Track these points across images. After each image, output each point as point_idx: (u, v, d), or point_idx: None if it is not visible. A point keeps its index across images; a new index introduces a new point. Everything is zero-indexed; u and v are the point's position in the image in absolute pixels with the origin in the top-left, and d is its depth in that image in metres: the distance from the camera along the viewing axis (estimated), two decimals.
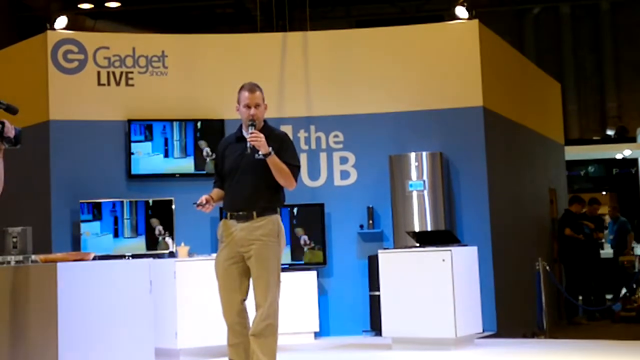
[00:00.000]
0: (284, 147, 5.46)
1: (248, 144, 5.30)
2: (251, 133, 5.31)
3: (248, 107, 5.44)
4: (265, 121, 5.58)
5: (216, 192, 5.61)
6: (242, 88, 5.54)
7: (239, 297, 5.39)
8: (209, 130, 9.28)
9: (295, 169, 5.46)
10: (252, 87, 5.54)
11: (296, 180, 5.48)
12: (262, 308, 5.26)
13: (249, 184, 5.38)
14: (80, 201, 8.74)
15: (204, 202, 5.41)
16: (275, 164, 5.33)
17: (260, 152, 5.28)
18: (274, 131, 5.58)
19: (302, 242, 9.17)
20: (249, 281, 5.42)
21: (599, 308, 12.03)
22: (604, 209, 18.06)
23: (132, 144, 9.08)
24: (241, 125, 5.53)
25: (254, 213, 5.33)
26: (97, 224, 8.74)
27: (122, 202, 8.82)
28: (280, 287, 5.41)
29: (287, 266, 9.10)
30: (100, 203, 8.76)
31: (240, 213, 5.36)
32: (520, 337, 9.04)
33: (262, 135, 5.30)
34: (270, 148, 5.30)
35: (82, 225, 8.72)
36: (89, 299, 4.22)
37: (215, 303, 7.47)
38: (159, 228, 8.89)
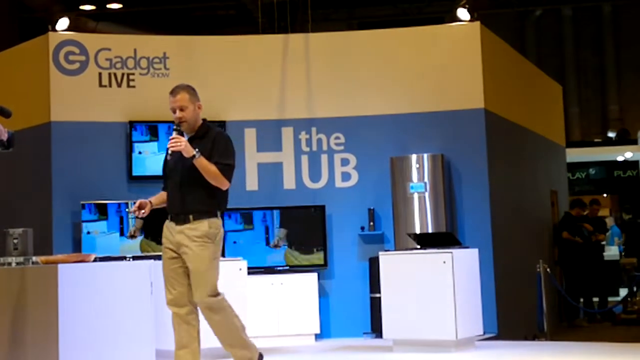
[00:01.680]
0: (215, 146, 5.40)
1: (169, 151, 5.31)
2: (171, 138, 5.29)
3: (173, 110, 5.41)
4: (204, 120, 5.54)
5: (160, 195, 5.57)
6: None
7: (187, 297, 5.34)
8: None
9: (225, 168, 5.37)
10: (175, 89, 5.50)
11: (229, 179, 5.41)
12: (198, 302, 5.29)
13: (185, 187, 5.35)
14: (83, 202, 8.73)
15: (136, 208, 5.36)
16: (201, 166, 5.28)
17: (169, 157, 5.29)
18: (211, 130, 5.52)
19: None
20: None
21: (599, 310, 12.03)
22: (604, 211, 18.09)
23: (137, 144, 9.09)
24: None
25: (190, 216, 5.32)
26: (103, 223, 8.74)
27: (127, 203, 8.82)
28: (218, 286, 5.38)
29: (287, 268, 9.12)
30: (105, 204, 8.78)
31: (178, 216, 5.35)
32: (521, 340, 9.04)
33: (182, 139, 5.27)
34: (196, 150, 5.25)
35: (87, 224, 8.71)
36: (90, 300, 4.22)
37: None
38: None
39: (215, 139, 5.45)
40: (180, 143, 5.24)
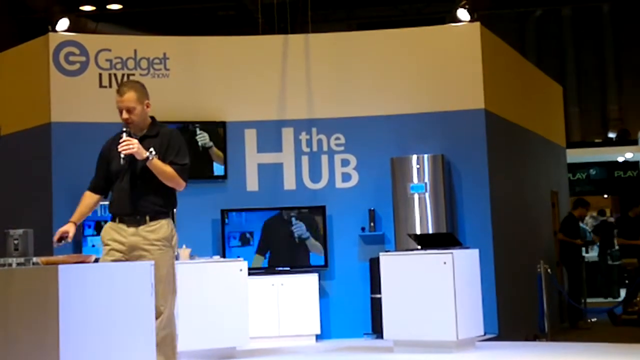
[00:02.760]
0: (170, 145, 5.17)
1: (122, 155, 5.02)
2: (122, 141, 5.01)
3: (120, 111, 5.15)
4: (152, 118, 5.28)
5: (86, 203, 5.36)
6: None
7: None
8: (211, 132, 9.33)
9: (181, 168, 5.14)
10: (122, 88, 5.23)
11: (186, 180, 5.17)
12: (162, 315, 5.02)
13: (140, 186, 5.10)
14: None
15: (59, 238, 5.09)
16: (156, 167, 5.03)
17: (123, 161, 5.01)
18: (162, 128, 5.27)
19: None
20: None
21: (602, 310, 12.02)
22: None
23: None
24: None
25: (147, 217, 5.08)
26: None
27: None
28: (177, 294, 5.20)
29: (288, 268, 9.12)
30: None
31: (132, 217, 5.09)
32: (522, 340, 9.03)
33: (134, 141, 4.99)
34: (151, 150, 5.01)
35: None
36: (91, 301, 4.21)
37: (217, 305, 7.50)
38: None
39: (170, 138, 5.21)
40: (133, 145, 4.97)
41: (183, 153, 5.20)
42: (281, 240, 9.20)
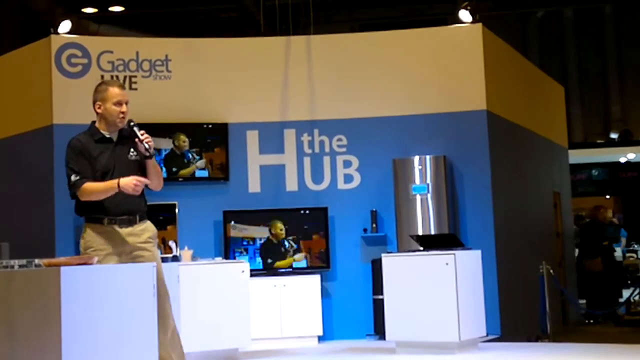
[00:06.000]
0: None
1: (146, 146, 4.99)
2: (142, 132, 5.02)
3: (120, 104, 5.09)
4: None
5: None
6: (106, 84, 5.21)
7: None
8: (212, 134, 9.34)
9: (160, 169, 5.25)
10: (121, 84, 5.31)
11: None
12: (171, 312, 5.07)
13: None
14: None
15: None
16: (155, 165, 5.13)
17: (148, 153, 5.00)
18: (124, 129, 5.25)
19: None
20: None
21: (603, 312, 12.00)
22: (607, 213, 17.99)
23: None
24: (93, 124, 5.21)
25: (137, 216, 5.11)
26: None
27: None
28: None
29: (290, 269, 9.12)
30: None
31: (124, 217, 5.07)
32: (524, 341, 9.03)
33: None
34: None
35: None
36: (93, 302, 4.21)
37: (219, 307, 7.51)
38: None
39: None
40: (150, 138, 5.05)
41: None
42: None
